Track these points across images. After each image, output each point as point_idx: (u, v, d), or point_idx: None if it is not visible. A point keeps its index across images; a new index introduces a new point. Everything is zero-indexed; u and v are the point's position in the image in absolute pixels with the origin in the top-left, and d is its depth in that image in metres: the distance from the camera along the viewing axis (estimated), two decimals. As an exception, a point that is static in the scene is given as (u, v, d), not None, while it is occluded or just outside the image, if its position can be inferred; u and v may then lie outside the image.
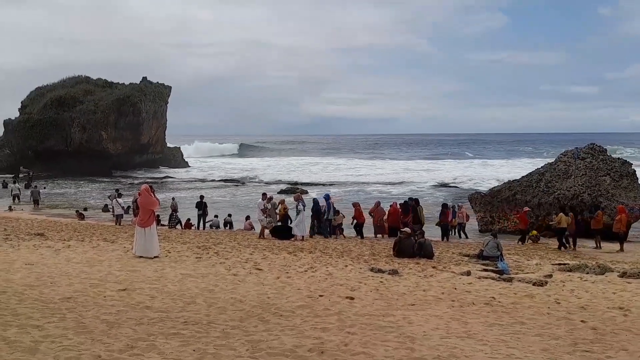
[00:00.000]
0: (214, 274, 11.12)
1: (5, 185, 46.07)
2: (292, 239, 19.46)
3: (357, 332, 6.82)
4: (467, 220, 24.00)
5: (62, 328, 6.70)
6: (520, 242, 21.03)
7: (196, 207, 26.13)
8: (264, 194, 22.88)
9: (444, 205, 23.23)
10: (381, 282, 11.13)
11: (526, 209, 22.38)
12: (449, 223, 22.63)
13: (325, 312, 8.05)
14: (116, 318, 7.32)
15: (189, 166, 72.59)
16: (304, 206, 20.35)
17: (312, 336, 6.56)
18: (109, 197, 31.95)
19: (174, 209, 26.49)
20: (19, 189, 38.30)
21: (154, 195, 13.61)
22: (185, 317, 7.47)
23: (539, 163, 44.84)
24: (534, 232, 22.11)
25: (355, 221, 22.83)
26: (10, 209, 32.37)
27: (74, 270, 10.80)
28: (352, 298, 9.25)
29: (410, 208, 22.27)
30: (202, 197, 27.03)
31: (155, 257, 12.85)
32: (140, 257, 12.78)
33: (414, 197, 24.68)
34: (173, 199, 30.95)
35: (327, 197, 23.14)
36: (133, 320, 7.28)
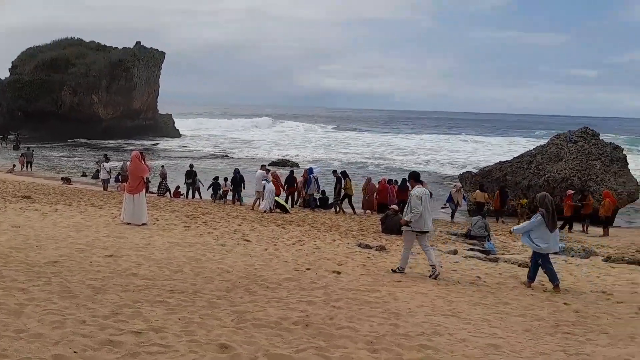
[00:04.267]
0: (202, 243, 11.11)
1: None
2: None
3: (343, 307, 6.84)
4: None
5: (47, 292, 6.66)
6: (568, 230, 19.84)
7: (185, 176, 25.97)
8: (263, 166, 22.92)
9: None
10: (368, 257, 11.19)
11: (570, 192, 21.30)
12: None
13: (312, 286, 8.07)
14: (102, 284, 7.29)
15: (180, 135, 72.02)
16: (267, 181, 20.75)
17: (298, 309, 6.57)
18: (97, 162, 31.68)
19: (163, 177, 26.33)
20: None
21: (144, 162, 13.49)
22: (172, 286, 7.46)
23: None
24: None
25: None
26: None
27: (60, 235, 10.76)
28: (338, 272, 9.28)
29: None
30: (191, 165, 26.83)
31: (143, 224, 12.80)
32: (128, 223, 12.74)
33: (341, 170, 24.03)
34: (162, 166, 30.78)
35: (310, 172, 23.34)
36: (119, 286, 7.26)
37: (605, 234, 19.42)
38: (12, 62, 66.69)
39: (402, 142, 70.44)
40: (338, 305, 6.91)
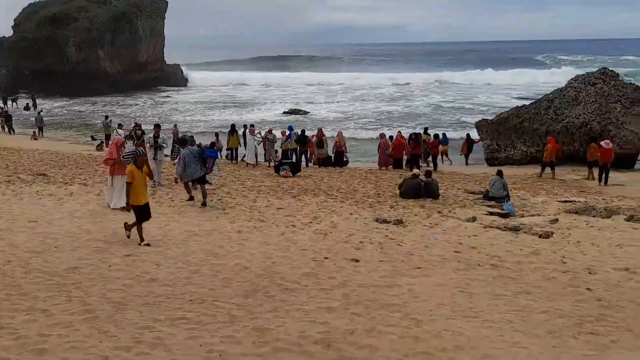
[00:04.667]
0: (218, 230, 11.10)
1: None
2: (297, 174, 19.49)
3: (362, 314, 6.81)
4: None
5: (68, 313, 6.71)
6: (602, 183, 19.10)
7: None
8: (251, 125, 23.74)
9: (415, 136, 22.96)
10: (386, 236, 11.11)
11: (610, 144, 19.80)
12: (418, 154, 22.34)
13: (330, 283, 8.04)
14: (122, 296, 7.32)
15: (189, 84, 71.34)
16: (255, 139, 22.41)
17: (318, 321, 6.56)
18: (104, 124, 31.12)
19: (177, 137, 26.05)
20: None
21: (117, 147, 12.86)
22: (191, 294, 7.47)
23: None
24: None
25: (335, 150, 23.06)
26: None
27: (77, 229, 10.79)
28: (357, 260, 9.25)
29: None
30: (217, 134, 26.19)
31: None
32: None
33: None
34: (175, 125, 30.66)
35: (290, 128, 23.83)
36: (139, 297, 7.29)
37: (553, 176, 20.24)
38: (15, 20, 65.71)
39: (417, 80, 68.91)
40: (358, 312, 6.88)
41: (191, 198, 13.86)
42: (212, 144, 20.88)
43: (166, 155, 24.30)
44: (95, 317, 6.60)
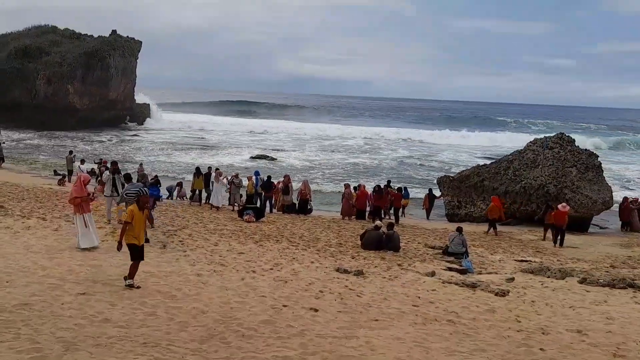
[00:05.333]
0: (177, 272, 10.95)
1: None
2: (262, 219, 19.49)
3: (319, 364, 6.78)
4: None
5: (15, 351, 6.49)
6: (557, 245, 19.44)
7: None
8: (217, 169, 23.52)
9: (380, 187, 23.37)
10: (346, 286, 11.14)
11: (566, 207, 20.28)
12: (381, 206, 22.72)
13: (288, 332, 7.99)
14: (73, 335, 7.13)
15: (157, 125, 71.09)
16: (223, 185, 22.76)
17: (273, 369, 6.50)
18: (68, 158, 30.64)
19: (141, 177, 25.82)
20: None
21: (82, 184, 12.70)
22: (145, 336, 7.32)
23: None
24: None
25: (300, 198, 23.40)
26: None
27: (32, 265, 10.50)
28: (315, 310, 9.22)
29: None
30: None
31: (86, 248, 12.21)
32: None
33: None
34: (141, 164, 30.34)
35: (256, 174, 24.29)
36: (91, 338, 7.10)
37: (487, 232, 21.32)
38: (-17, 50, 64.92)
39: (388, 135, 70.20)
40: (314, 362, 6.85)
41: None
42: (156, 182, 20.86)
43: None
44: (43, 356, 6.40)
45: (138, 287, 9.52)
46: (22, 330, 7.19)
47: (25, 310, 7.98)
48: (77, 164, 27.76)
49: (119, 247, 9.80)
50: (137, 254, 9.69)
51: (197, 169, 24.56)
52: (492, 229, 21.45)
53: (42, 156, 42.12)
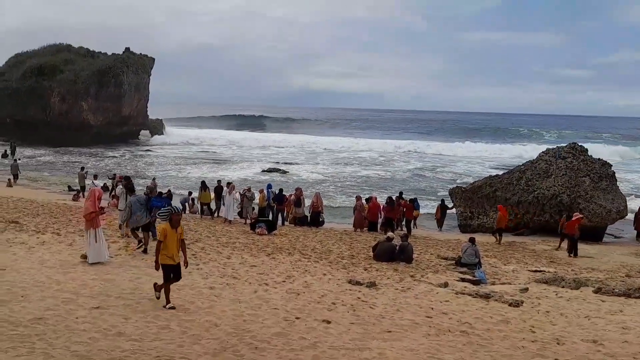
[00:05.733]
0: (190, 285, 10.98)
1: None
2: (274, 232, 19.56)
3: (332, 376, 6.76)
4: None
5: (30, 365, 6.55)
6: (572, 255, 19.26)
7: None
8: (229, 183, 23.44)
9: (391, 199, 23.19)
10: (358, 298, 11.11)
11: (578, 215, 20.46)
12: (393, 218, 22.64)
13: (301, 344, 7.98)
14: (87, 349, 7.18)
15: (170, 140, 71.66)
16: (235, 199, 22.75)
17: (286, 381, 6.49)
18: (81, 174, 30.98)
19: (153, 192, 26.00)
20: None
21: (96, 199, 12.70)
22: (158, 350, 7.35)
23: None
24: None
25: (312, 210, 23.37)
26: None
27: (47, 279, 10.60)
28: (328, 322, 9.21)
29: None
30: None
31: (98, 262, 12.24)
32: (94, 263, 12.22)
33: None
34: (154, 179, 30.56)
35: (269, 187, 24.38)
36: (104, 352, 7.15)
37: (498, 242, 21.31)
38: (0, 68, 66.10)
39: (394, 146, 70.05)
40: (327, 374, 6.83)
41: (140, 241, 14.28)
42: (160, 194, 20.96)
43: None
44: (57, 370, 6.46)
45: (173, 308, 9.26)
46: (37, 344, 7.26)
47: (40, 324, 8.06)
48: (88, 181, 27.96)
49: (157, 267, 9.41)
50: (168, 274, 9.38)
51: (203, 182, 24.84)
52: (498, 237, 21.55)
53: (54, 173, 42.51)
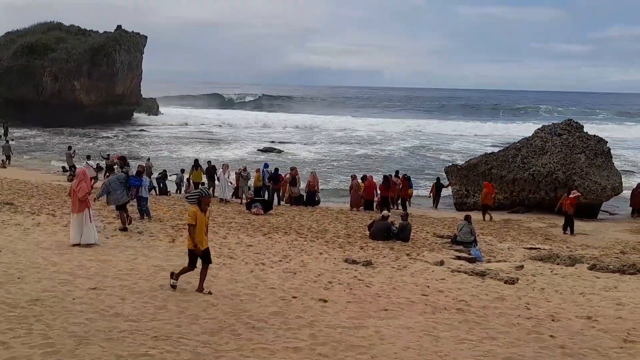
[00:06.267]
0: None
1: None
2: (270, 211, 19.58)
3: (329, 355, 6.81)
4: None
5: (28, 346, 6.55)
6: (567, 232, 19.24)
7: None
8: (224, 165, 23.36)
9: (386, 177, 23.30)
10: (355, 276, 11.16)
11: (576, 193, 20.36)
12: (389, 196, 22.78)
13: (298, 322, 8.02)
14: (85, 330, 7.19)
15: (164, 119, 71.18)
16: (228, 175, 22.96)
17: (284, 360, 6.53)
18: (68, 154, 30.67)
19: (148, 173, 25.91)
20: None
21: (86, 180, 12.60)
22: (156, 330, 7.37)
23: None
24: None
25: (308, 190, 23.44)
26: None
27: (43, 261, 10.58)
28: (325, 301, 9.25)
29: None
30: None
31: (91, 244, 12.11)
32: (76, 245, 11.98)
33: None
34: (148, 159, 30.42)
35: (265, 166, 24.41)
36: (102, 332, 7.16)
37: (486, 219, 21.36)
38: (-10, 48, 65.20)
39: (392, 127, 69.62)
40: (324, 353, 6.87)
41: (129, 222, 14.54)
42: (139, 172, 20.85)
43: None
44: (55, 351, 6.46)
45: (210, 293, 9.13)
46: (35, 325, 7.27)
47: (37, 305, 8.06)
48: (79, 164, 27.80)
49: (198, 250, 9.08)
50: (194, 260, 9.17)
51: (196, 160, 24.85)
52: (484, 215, 21.60)
53: (50, 151, 42.24)
